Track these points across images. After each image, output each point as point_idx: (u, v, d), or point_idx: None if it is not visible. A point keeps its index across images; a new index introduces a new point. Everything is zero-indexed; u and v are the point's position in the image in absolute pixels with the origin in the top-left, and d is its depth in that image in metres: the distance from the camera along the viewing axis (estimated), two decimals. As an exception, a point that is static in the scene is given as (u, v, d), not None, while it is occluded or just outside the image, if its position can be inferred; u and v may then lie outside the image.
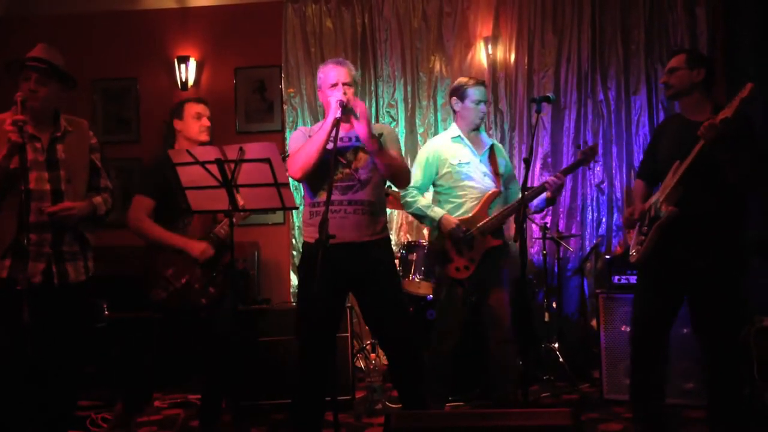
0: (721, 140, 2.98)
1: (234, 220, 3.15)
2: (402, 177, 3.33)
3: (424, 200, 3.80)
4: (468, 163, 3.77)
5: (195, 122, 3.64)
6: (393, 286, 3.30)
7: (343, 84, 3.18)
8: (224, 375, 3.67)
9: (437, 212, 3.73)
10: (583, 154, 3.76)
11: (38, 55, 3.07)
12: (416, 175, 3.79)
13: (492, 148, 3.89)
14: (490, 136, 5.45)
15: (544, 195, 3.77)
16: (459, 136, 3.83)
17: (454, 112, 3.90)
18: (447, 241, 3.72)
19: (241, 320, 4.14)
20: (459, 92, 3.82)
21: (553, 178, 3.69)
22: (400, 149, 3.42)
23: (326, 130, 3.08)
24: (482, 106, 3.82)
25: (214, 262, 3.52)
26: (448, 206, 3.78)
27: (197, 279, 3.47)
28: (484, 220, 3.71)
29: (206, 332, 3.53)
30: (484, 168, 3.81)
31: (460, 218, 3.72)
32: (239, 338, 3.69)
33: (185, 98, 3.78)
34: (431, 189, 3.93)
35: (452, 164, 3.77)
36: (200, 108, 3.67)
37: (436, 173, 3.81)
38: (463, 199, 3.76)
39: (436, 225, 3.73)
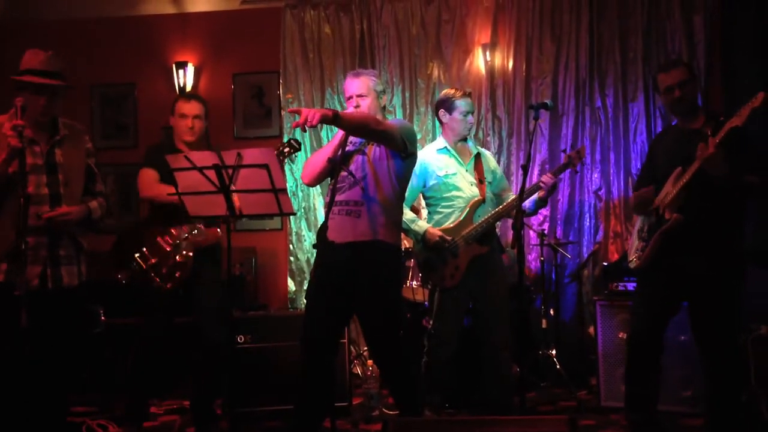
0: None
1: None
2: (386, 136, 3.10)
3: (410, 214, 3.83)
4: (455, 174, 3.82)
5: (180, 121, 3.70)
6: (381, 293, 3.14)
7: (357, 96, 3.23)
8: (212, 381, 3.66)
9: (421, 226, 3.78)
10: (569, 158, 3.81)
11: (47, 69, 3.04)
12: None
13: (478, 156, 3.91)
14: (487, 143, 5.50)
15: (533, 198, 3.81)
16: (445, 147, 3.88)
17: (442, 123, 3.93)
18: (430, 251, 3.75)
19: (237, 326, 4.13)
20: (447, 104, 3.86)
21: (548, 176, 3.74)
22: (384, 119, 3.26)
23: (333, 144, 3.21)
24: (470, 118, 3.89)
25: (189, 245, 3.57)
26: (438, 216, 3.84)
27: (165, 263, 3.50)
28: (468, 228, 3.74)
29: (193, 339, 3.53)
30: (471, 177, 3.85)
31: (443, 228, 3.75)
32: (234, 344, 3.68)
33: (179, 95, 3.83)
34: (422, 199, 3.99)
35: (439, 176, 3.81)
36: (186, 108, 3.69)
37: (424, 185, 3.85)
38: (451, 209, 3.81)
39: (420, 238, 3.77)
